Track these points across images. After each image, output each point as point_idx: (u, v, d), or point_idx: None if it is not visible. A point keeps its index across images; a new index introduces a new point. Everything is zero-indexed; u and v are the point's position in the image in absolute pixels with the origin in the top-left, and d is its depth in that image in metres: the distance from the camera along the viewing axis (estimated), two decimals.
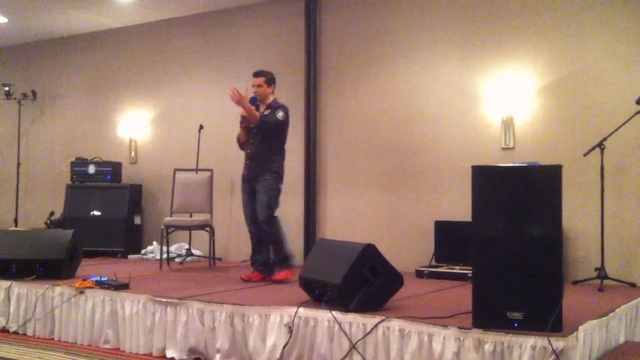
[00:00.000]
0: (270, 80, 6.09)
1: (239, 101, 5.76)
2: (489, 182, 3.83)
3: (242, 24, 8.27)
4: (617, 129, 5.63)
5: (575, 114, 6.28)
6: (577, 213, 6.06)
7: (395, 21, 7.27)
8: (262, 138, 5.94)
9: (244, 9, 8.23)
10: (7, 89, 9.53)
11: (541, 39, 6.47)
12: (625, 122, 5.63)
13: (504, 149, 6.58)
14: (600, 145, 5.60)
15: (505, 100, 6.58)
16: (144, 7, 8.35)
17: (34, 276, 5.82)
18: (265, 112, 5.98)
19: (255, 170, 5.97)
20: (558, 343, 3.47)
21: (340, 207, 7.55)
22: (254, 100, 5.96)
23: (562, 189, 3.69)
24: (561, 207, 3.69)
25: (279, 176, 6.02)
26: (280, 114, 5.93)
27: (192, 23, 8.65)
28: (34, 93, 9.59)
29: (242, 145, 6.12)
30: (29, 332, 5.54)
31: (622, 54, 6.11)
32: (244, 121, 5.93)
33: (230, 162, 8.03)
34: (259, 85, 6.01)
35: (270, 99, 6.08)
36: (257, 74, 6.07)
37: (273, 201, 5.94)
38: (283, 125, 6.00)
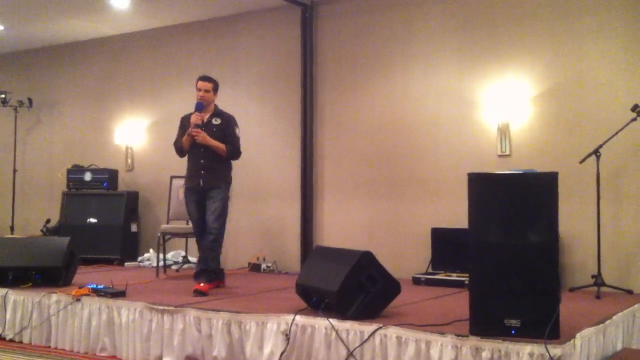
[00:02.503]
0: (217, 87, 5.98)
1: (204, 138, 5.77)
2: (485, 189, 3.83)
3: (240, 32, 8.28)
4: (612, 136, 5.65)
5: (572, 121, 6.30)
6: (573, 220, 6.07)
7: (391, 29, 7.29)
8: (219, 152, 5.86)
9: (242, 17, 8.24)
10: (3, 96, 9.52)
11: (537, 46, 6.49)
12: (621, 129, 5.65)
13: (500, 156, 6.59)
14: (596, 152, 5.61)
15: (501, 107, 6.60)
16: (142, 15, 8.36)
17: (30, 284, 5.81)
18: (215, 122, 5.88)
19: (211, 182, 5.83)
20: (555, 350, 3.47)
21: (337, 214, 7.55)
22: (200, 106, 5.83)
23: (559, 196, 3.70)
24: (557, 214, 3.70)
25: (229, 185, 6.02)
26: (237, 131, 5.93)
27: (190, 31, 8.66)
28: (30, 100, 9.58)
29: (182, 152, 5.97)
30: (25, 340, 5.51)
31: (618, 61, 6.13)
32: (194, 133, 5.78)
33: None
34: (207, 90, 5.87)
35: (213, 106, 5.97)
36: (205, 79, 5.92)
37: (225, 210, 5.88)
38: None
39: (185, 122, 5.98)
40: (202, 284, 5.53)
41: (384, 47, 7.33)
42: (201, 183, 5.87)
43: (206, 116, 5.91)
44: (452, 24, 6.95)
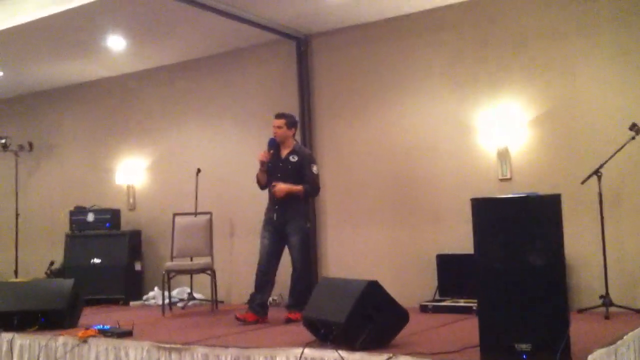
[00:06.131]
0: (291, 123, 6.20)
1: (281, 191, 5.96)
2: (490, 214, 3.84)
3: (236, 68, 8.35)
4: (612, 156, 5.67)
5: (570, 142, 6.32)
6: (578, 241, 6.05)
7: (386, 58, 7.35)
8: (294, 184, 6.01)
9: (237, 53, 8.31)
10: (3, 141, 9.50)
11: (530, 70, 6.54)
12: (620, 148, 5.67)
13: (501, 180, 6.60)
14: (597, 172, 5.62)
15: (499, 131, 6.62)
16: (138, 56, 8.43)
17: (36, 327, 5.76)
18: (292, 159, 6.10)
19: (286, 215, 6.04)
20: None
21: (341, 244, 7.54)
22: (273, 142, 6.08)
23: (562, 217, 3.71)
24: (562, 235, 3.70)
25: (307, 217, 6.29)
26: (315, 168, 6.14)
27: (187, 69, 8.72)
28: (30, 144, 9.60)
29: (261, 185, 6.22)
30: None
31: (611, 80, 6.17)
32: (264, 166, 6.06)
33: (229, 203, 8.05)
34: (279, 127, 6.12)
35: (291, 142, 6.20)
36: (278, 116, 6.20)
37: (307, 242, 6.18)
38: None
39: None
40: (292, 313, 5.93)
41: (379, 76, 7.38)
42: (274, 217, 6.08)
43: (284, 152, 6.14)
44: (445, 52, 7.01)
